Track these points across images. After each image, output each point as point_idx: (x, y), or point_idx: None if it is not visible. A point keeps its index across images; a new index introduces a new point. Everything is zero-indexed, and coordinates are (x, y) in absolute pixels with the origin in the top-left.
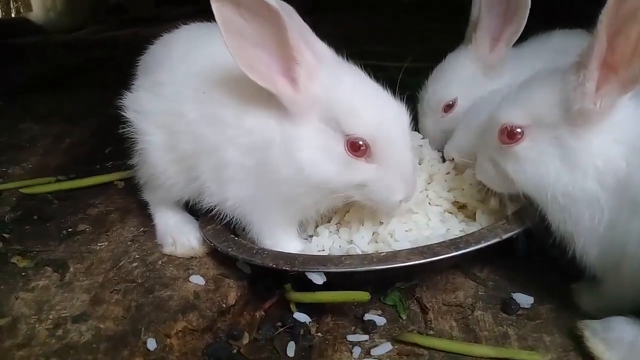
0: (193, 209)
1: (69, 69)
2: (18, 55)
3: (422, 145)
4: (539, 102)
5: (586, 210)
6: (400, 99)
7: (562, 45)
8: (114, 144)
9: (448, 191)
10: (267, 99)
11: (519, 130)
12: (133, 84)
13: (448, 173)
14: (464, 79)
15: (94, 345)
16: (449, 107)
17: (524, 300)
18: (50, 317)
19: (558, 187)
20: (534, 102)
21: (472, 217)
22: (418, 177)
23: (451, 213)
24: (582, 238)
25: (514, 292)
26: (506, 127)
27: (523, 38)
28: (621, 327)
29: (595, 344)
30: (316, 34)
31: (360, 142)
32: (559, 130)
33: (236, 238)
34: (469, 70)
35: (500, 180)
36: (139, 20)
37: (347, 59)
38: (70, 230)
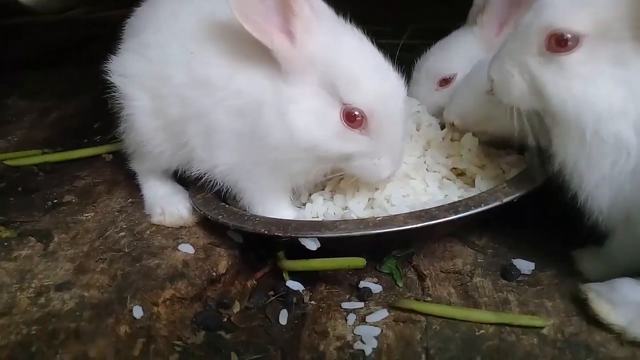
0: (182, 180)
1: (58, 48)
2: (7, 37)
3: (419, 111)
4: (608, 9)
5: (610, 153)
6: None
7: None
8: (102, 120)
9: (446, 157)
10: (260, 58)
11: (573, 37)
12: (119, 47)
13: (452, 140)
14: (467, 58)
15: (77, 313)
16: (445, 81)
17: (525, 266)
18: (33, 285)
19: (604, 115)
20: (601, 8)
21: (470, 183)
22: (415, 142)
23: (449, 179)
24: (594, 182)
25: (514, 259)
26: (560, 32)
27: None
28: (627, 288)
29: (600, 305)
30: None
31: (357, 113)
32: (623, 48)
33: (227, 206)
34: (474, 51)
35: (528, 92)
36: (131, 1)
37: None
38: (55, 201)
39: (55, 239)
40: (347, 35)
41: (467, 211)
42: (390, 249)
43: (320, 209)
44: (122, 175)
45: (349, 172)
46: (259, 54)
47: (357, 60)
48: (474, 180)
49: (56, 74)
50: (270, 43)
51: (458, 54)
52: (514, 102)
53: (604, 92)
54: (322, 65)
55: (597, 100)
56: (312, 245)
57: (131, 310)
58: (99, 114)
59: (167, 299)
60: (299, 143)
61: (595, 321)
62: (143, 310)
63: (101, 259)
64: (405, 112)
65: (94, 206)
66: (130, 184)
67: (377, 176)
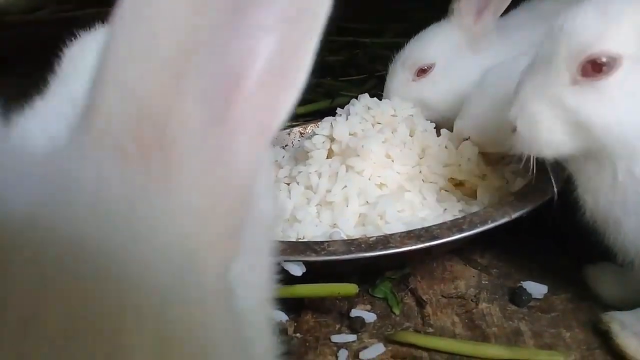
0: None
1: (24, 50)
2: None
3: (413, 115)
4: None
5: None
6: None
7: (555, 10)
8: None
9: (444, 167)
10: None
11: (612, 59)
12: None
13: (446, 147)
14: (445, 46)
15: None
16: (422, 71)
17: (536, 289)
18: None
19: None
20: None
21: (471, 194)
22: (409, 150)
23: (447, 191)
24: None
25: (523, 281)
26: (597, 56)
27: (513, 4)
28: None
29: (626, 340)
30: None
31: None
32: None
33: None
34: (452, 38)
35: (560, 131)
36: (101, 1)
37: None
38: None
39: None
40: None
41: (473, 229)
42: (384, 270)
43: (307, 227)
44: None
45: None
46: None
47: None
48: (474, 191)
49: (15, 81)
50: None
51: (435, 43)
52: (541, 148)
53: None
54: None
55: None
56: (297, 270)
57: None
58: None
59: None
60: None
61: (620, 357)
62: None
63: None
64: None
65: None
66: None
67: None
